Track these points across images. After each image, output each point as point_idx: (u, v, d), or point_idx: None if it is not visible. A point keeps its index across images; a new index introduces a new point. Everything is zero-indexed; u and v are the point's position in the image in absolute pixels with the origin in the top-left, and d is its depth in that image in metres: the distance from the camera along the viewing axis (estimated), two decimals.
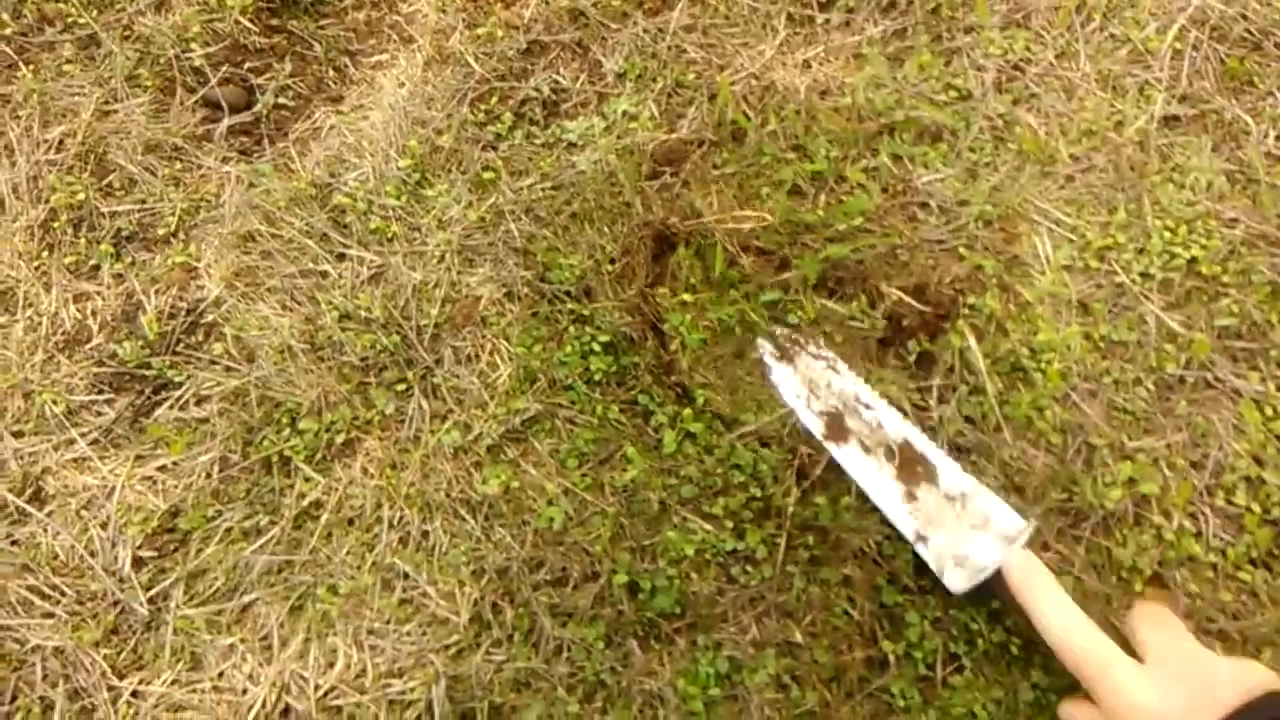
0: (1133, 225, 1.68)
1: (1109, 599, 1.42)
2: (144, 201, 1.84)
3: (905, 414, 1.56)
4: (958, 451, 1.55)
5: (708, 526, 1.52)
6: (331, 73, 2.03)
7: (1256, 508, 1.47)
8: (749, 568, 1.50)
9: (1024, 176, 1.74)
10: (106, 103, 1.93)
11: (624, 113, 1.85)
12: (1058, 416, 1.56)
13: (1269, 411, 1.54)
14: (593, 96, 1.89)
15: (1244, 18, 1.82)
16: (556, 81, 1.90)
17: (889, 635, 1.45)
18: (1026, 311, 1.64)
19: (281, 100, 1.97)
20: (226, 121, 1.91)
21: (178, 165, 1.87)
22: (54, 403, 1.68)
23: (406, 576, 1.55)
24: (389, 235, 1.77)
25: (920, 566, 1.46)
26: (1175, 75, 1.79)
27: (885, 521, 1.47)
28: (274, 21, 2.08)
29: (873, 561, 1.49)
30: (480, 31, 1.94)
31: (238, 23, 2.00)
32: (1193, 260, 1.64)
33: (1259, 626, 1.39)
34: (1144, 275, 1.65)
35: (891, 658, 1.44)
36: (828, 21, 1.92)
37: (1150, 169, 1.72)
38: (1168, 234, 1.67)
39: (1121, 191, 1.71)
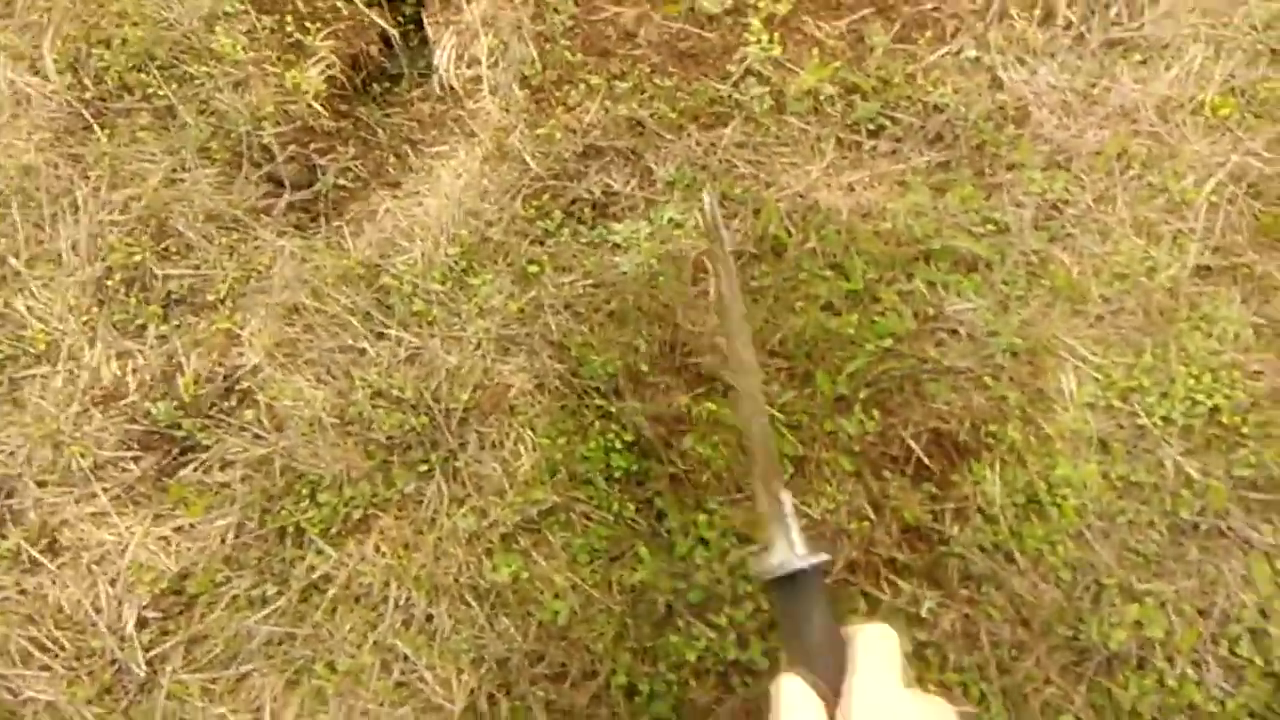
0: (1157, 369, 1.73)
1: None
2: (198, 267, 1.96)
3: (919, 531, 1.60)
4: (968, 579, 1.58)
5: (712, 634, 1.56)
6: (393, 159, 2.16)
7: (1259, 660, 1.49)
8: (749, 679, 1.53)
9: (1055, 313, 1.81)
10: (175, 171, 2.07)
11: (670, 220, 1.95)
12: (1069, 552, 1.60)
13: (1279, 565, 1.56)
14: (641, 202, 2.00)
15: None
16: (608, 185, 2.01)
17: None
18: (1046, 445, 1.69)
19: (342, 181, 2.11)
20: (287, 197, 2.04)
21: (234, 235, 2.00)
22: (81, 455, 1.78)
23: (406, 659, 1.59)
24: (430, 319, 1.86)
25: None
26: (1209, 227, 1.87)
27: None
28: (343, 107, 2.23)
29: None
30: (540, 132, 2.07)
31: (309, 106, 2.14)
32: (1215, 409, 1.69)
33: None
34: (1165, 419, 1.69)
35: None
36: (875, 148, 2.02)
37: (1179, 316, 1.78)
38: (1192, 381, 1.72)
39: (1149, 335, 1.77)
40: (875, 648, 1.02)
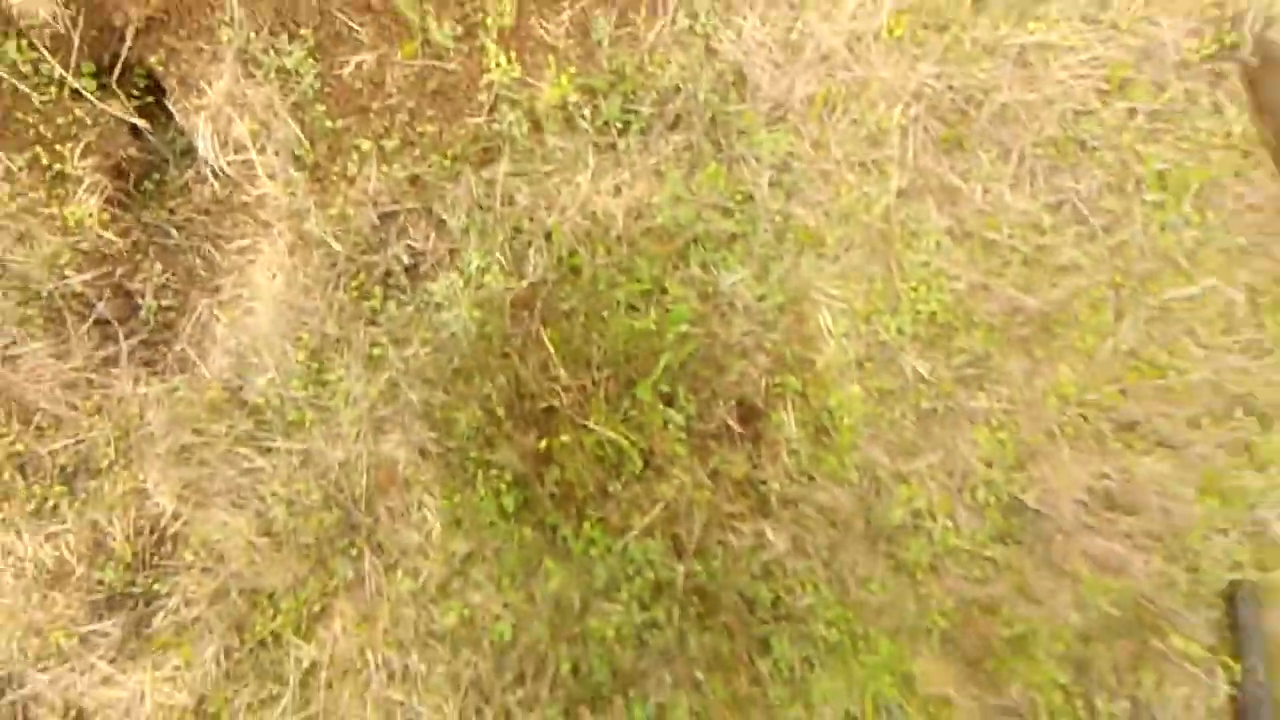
0: (887, 292, 2.20)
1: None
2: (76, 435, 2.12)
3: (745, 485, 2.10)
4: (789, 504, 2.10)
5: (619, 608, 2.04)
6: (199, 261, 2.29)
7: (993, 500, 2.09)
8: (655, 632, 2.04)
9: (804, 263, 2.23)
10: (7, 347, 2.15)
11: (476, 267, 2.21)
12: (853, 460, 2.12)
13: (993, 423, 2.14)
14: (445, 254, 2.24)
15: (950, 89, 2.28)
16: (410, 245, 2.23)
17: (761, 656, 2.02)
18: (819, 379, 2.17)
19: (164, 301, 2.24)
20: (125, 343, 2.18)
21: (96, 396, 2.15)
22: (65, 637, 2.03)
23: (401, 704, 2.03)
24: (307, 423, 2.13)
25: (775, 600, 2.04)
26: (904, 150, 2.26)
27: None
28: (126, 218, 2.30)
29: (743, 606, 2.04)
30: (332, 212, 2.22)
31: (100, 235, 2.21)
32: (933, 313, 2.19)
33: (999, 587, 2.03)
34: (900, 331, 2.19)
35: (765, 671, 2.02)
36: (628, 146, 2.29)
37: (894, 238, 2.23)
38: (913, 294, 2.20)
39: (876, 263, 2.22)
40: None
